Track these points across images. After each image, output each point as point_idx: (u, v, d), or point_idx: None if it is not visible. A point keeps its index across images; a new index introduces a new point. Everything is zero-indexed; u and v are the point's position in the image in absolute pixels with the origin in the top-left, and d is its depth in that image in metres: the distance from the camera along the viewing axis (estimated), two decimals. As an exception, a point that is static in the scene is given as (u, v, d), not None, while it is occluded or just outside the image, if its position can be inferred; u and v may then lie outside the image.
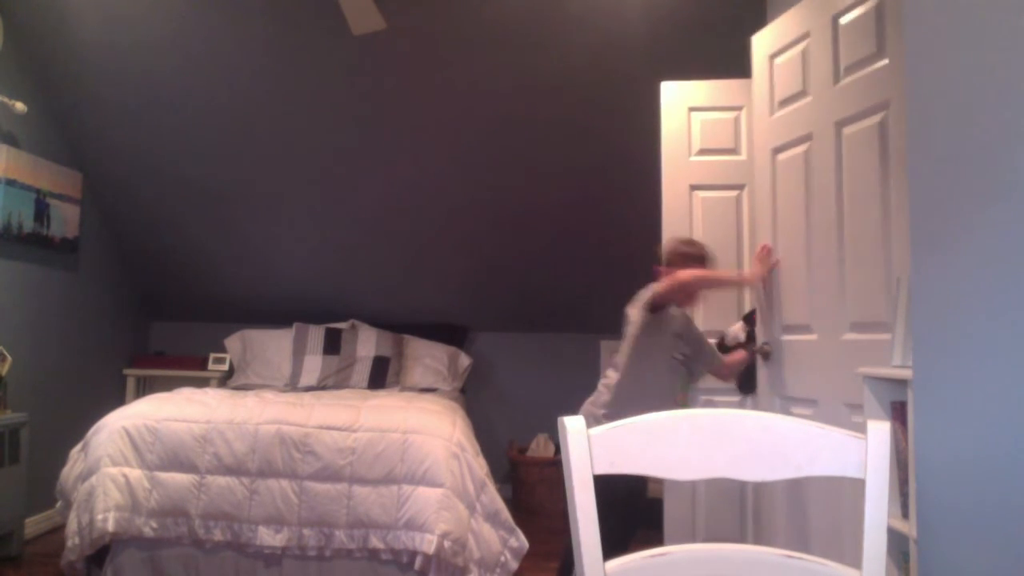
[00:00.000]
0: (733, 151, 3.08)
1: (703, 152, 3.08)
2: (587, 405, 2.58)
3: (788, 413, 2.32)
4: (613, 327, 3.34)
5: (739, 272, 2.56)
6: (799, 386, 2.34)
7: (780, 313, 2.46)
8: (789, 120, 2.40)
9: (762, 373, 2.56)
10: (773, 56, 2.51)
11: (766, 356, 2.50)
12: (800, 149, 2.35)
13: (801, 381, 2.33)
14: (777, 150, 2.47)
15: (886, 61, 2.00)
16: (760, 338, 2.58)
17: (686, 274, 2.46)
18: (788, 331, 2.41)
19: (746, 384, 2.74)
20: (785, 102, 2.44)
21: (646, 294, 2.51)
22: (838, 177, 2.18)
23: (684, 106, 3.10)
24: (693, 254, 2.60)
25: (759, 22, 2.97)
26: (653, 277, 2.63)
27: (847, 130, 2.15)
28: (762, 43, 2.58)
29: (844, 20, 2.17)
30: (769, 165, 2.52)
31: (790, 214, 2.40)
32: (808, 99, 2.32)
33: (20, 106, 3.52)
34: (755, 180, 2.59)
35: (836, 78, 2.20)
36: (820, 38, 2.26)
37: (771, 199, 2.50)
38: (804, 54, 2.34)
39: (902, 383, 1.73)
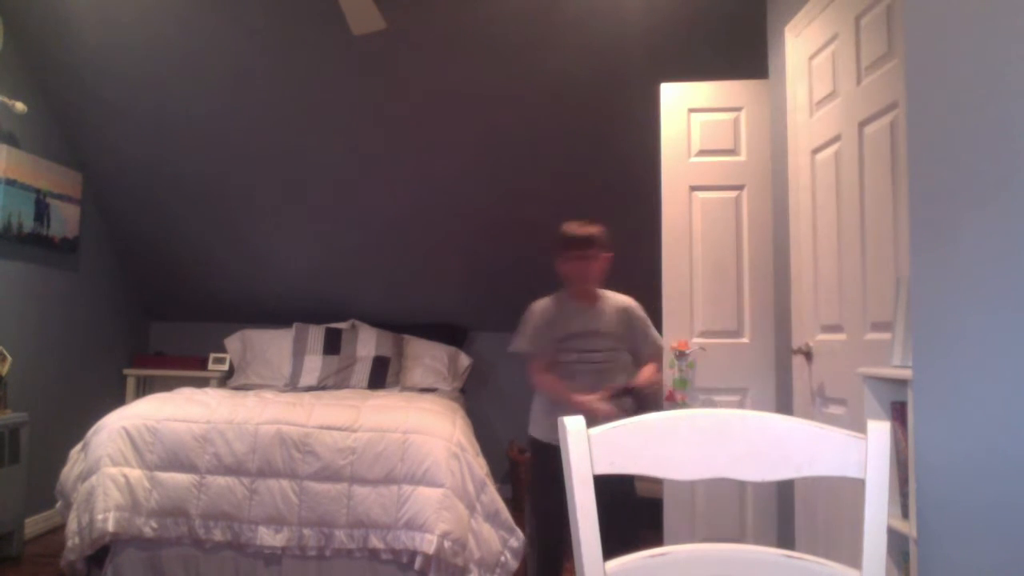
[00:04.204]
0: (733, 152, 3.08)
1: (703, 153, 3.09)
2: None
3: (825, 413, 2.33)
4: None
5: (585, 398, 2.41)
6: (832, 385, 2.34)
7: (817, 313, 2.46)
8: (824, 121, 2.41)
9: (804, 373, 2.55)
10: (811, 58, 2.50)
11: (807, 356, 2.50)
12: (832, 150, 2.36)
13: (834, 380, 2.33)
14: (816, 151, 2.47)
15: (896, 61, 2.00)
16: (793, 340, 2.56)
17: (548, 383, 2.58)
18: (823, 331, 2.41)
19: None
20: (820, 103, 2.44)
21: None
22: (860, 177, 2.18)
23: (684, 107, 3.10)
24: (595, 236, 2.61)
25: (759, 23, 2.97)
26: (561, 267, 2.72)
27: (867, 130, 2.15)
28: (801, 45, 2.58)
29: (864, 20, 2.18)
30: (809, 166, 2.51)
31: (825, 215, 2.41)
32: (838, 100, 2.32)
33: (20, 106, 3.52)
34: (796, 181, 2.58)
35: (859, 79, 2.20)
36: (845, 39, 2.27)
37: (811, 201, 2.50)
38: (834, 55, 2.34)
39: (902, 383, 1.73)
